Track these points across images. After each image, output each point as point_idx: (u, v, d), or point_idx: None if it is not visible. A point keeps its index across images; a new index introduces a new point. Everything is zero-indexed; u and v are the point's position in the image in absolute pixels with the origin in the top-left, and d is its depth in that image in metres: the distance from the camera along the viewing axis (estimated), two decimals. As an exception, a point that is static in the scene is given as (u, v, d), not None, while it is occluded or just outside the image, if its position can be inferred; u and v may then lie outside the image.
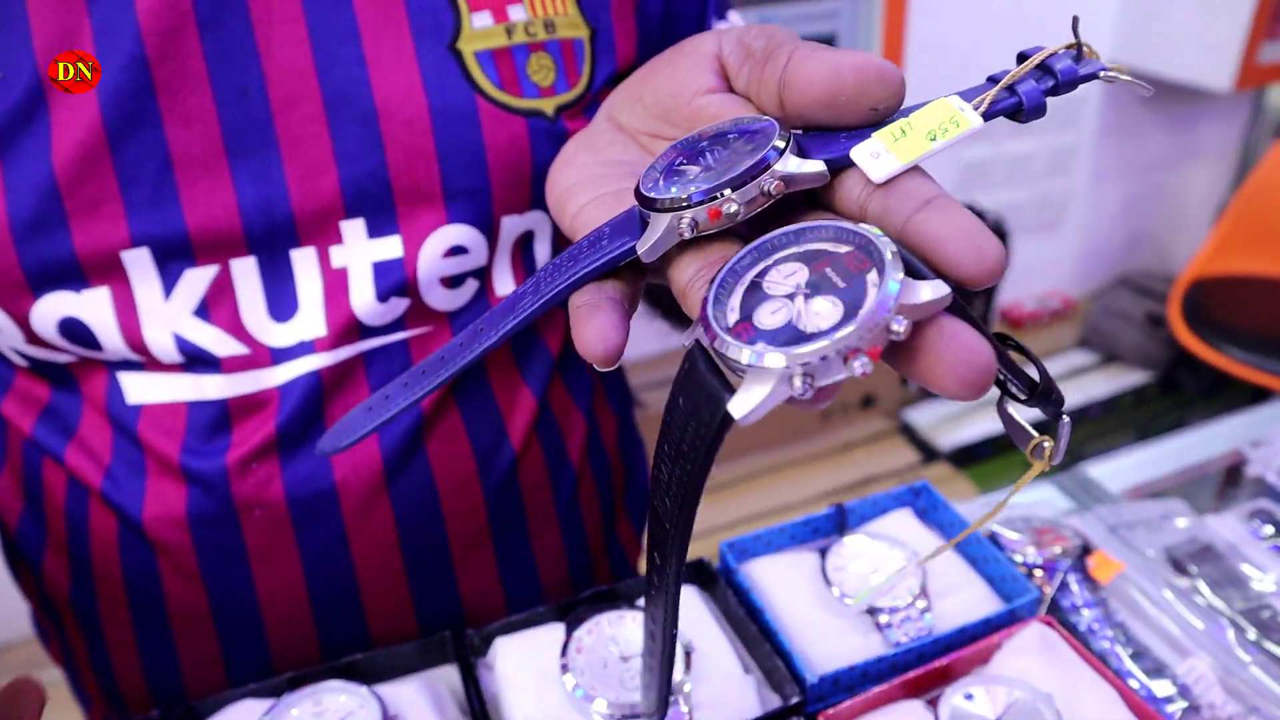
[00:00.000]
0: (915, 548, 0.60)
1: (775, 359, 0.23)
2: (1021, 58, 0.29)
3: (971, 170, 2.14)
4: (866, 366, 0.23)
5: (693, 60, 0.36)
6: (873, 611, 0.56)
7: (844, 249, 0.26)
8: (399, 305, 0.50)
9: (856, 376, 0.23)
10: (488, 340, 0.34)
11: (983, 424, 2.18)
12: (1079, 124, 2.21)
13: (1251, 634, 0.62)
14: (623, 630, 0.55)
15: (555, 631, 0.56)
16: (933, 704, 0.51)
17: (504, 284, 0.54)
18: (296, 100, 0.45)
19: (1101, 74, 0.27)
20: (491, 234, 0.51)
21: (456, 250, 0.50)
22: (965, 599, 0.59)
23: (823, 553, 0.60)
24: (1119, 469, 0.89)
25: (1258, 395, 2.13)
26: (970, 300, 0.28)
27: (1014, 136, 2.13)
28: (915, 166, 0.27)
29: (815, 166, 0.28)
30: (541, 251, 0.55)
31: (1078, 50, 0.28)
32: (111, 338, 0.47)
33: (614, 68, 0.51)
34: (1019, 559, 0.66)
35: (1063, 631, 0.54)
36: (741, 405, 0.24)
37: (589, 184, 0.37)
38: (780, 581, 0.59)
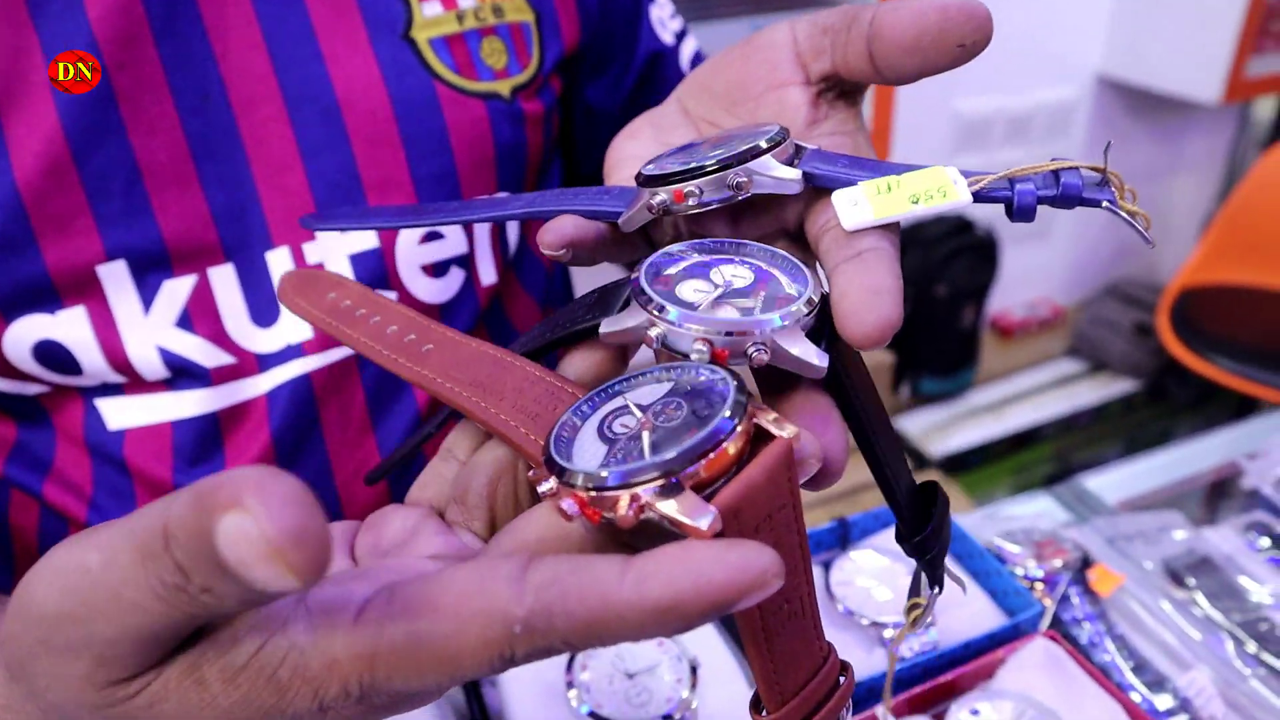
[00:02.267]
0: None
1: (643, 311, 0.26)
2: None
3: (962, 179, 2.15)
4: (703, 356, 0.25)
5: (766, 52, 0.36)
6: (877, 625, 0.56)
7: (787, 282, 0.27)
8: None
9: (691, 358, 0.25)
10: (469, 213, 0.38)
11: (972, 432, 2.19)
12: (1069, 134, 2.22)
13: (1250, 646, 0.62)
14: (628, 647, 0.54)
15: (559, 646, 0.56)
16: (938, 719, 0.51)
17: (488, 272, 0.54)
18: (257, 102, 0.45)
19: (1105, 204, 0.27)
20: None
21: (432, 236, 0.50)
22: (969, 613, 0.59)
23: (826, 566, 0.61)
24: (1113, 481, 0.89)
25: (1244, 404, 2.15)
26: (854, 400, 0.29)
27: (1005, 146, 2.15)
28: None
29: (790, 174, 0.28)
30: (515, 237, 0.55)
31: (1104, 176, 0.27)
32: (92, 358, 0.45)
33: (561, 50, 0.53)
34: (1020, 572, 0.66)
35: (1067, 646, 0.55)
36: (608, 323, 0.27)
37: (642, 159, 0.38)
38: (784, 595, 0.59)
